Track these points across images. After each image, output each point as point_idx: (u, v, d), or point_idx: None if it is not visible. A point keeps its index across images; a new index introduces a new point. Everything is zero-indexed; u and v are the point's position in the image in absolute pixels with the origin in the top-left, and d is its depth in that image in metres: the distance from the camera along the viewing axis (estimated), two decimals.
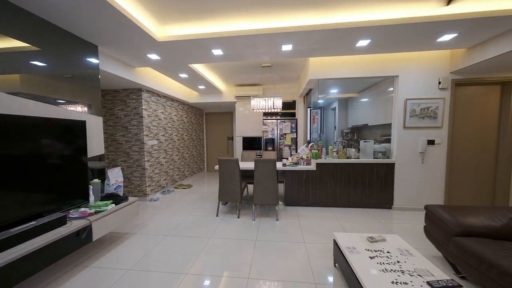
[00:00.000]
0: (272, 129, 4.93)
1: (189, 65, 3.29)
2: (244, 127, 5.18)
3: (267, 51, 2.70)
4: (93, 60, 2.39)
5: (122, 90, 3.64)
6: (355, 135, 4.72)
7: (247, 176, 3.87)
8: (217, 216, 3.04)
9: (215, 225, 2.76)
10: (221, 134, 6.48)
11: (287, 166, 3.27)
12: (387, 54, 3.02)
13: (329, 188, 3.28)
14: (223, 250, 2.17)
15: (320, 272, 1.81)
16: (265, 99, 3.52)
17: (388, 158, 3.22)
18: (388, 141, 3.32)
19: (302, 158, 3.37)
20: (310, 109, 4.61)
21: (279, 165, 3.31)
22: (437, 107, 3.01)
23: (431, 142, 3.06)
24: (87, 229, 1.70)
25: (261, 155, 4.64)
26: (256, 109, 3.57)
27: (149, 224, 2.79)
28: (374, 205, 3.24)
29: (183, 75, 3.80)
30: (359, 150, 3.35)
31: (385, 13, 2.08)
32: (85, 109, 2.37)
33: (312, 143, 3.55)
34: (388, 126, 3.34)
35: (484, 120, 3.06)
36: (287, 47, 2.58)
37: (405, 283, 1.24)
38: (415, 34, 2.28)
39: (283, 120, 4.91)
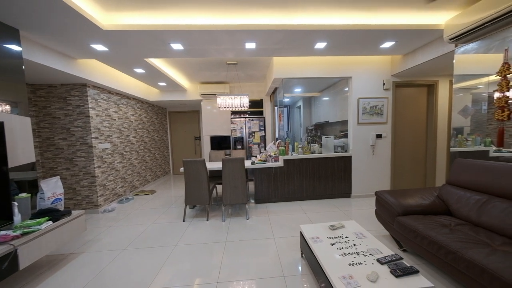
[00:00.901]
0: (241, 128, 4.90)
1: (146, 59, 2.99)
2: (211, 126, 5.01)
3: (230, 48, 2.64)
4: (13, 47, 1.93)
5: (60, 85, 3.08)
6: (318, 131, 5.07)
7: (216, 176, 3.76)
8: (184, 221, 2.86)
9: (181, 231, 2.59)
10: (187, 134, 6.14)
11: (256, 164, 3.29)
12: (342, 57, 3.31)
13: (296, 183, 3.44)
14: (190, 256, 2.05)
15: (288, 264, 1.87)
16: (231, 97, 3.46)
17: (346, 151, 3.55)
18: (346, 136, 3.65)
19: (270, 156, 3.44)
20: (277, 107, 4.74)
21: (247, 164, 3.31)
22: (383, 105, 3.45)
23: (379, 136, 3.49)
24: (10, 257, 1.36)
25: (229, 155, 4.56)
26: (223, 108, 3.48)
27: (102, 239, 2.44)
28: (336, 195, 3.53)
29: (140, 71, 3.44)
30: (321, 145, 3.60)
31: (339, 18, 2.25)
32: (7, 107, 1.91)
33: (279, 141, 3.65)
34: (345, 122, 3.67)
35: (416, 117, 3.65)
36: (250, 45, 2.57)
37: (360, 263, 1.37)
38: (363, 39, 2.55)
39: (251, 119, 4.92)
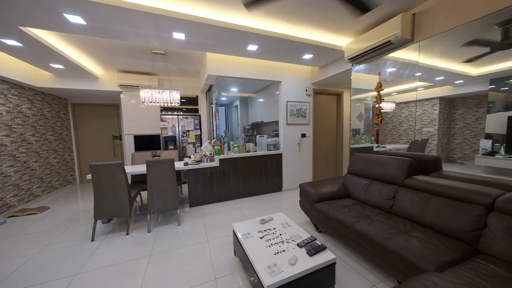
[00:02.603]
0: (173, 126, 4.42)
1: (22, 27, 2.14)
2: (135, 123, 4.26)
3: (154, 35, 2.30)
4: None
5: None
6: (254, 130, 5.30)
7: (141, 181, 3.24)
8: (93, 240, 2.27)
9: (89, 253, 2.04)
10: (102, 132, 4.96)
11: (190, 165, 3.05)
12: (274, 63, 3.59)
13: (232, 182, 3.45)
14: (100, 283, 1.63)
15: (221, 265, 1.82)
16: (159, 91, 3.04)
17: (277, 149, 3.88)
18: (277, 135, 4.00)
19: (205, 155, 3.28)
20: (213, 106, 4.59)
21: (179, 165, 3.02)
22: (306, 108, 4.00)
23: (303, 135, 4.03)
24: None
25: (159, 156, 4.05)
26: (148, 102, 3.00)
27: None
28: (269, 190, 3.80)
29: (12, 43, 2.44)
30: (256, 144, 3.77)
31: (269, 25, 2.39)
32: None
33: (215, 140, 3.55)
34: (277, 122, 4.01)
35: (330, 120, 4.47)
36: (179, 36, 2.34)
37: (284, 251, 1.50)
38: (289, 48, 2.84)
39: (185, 116, 4.54)
